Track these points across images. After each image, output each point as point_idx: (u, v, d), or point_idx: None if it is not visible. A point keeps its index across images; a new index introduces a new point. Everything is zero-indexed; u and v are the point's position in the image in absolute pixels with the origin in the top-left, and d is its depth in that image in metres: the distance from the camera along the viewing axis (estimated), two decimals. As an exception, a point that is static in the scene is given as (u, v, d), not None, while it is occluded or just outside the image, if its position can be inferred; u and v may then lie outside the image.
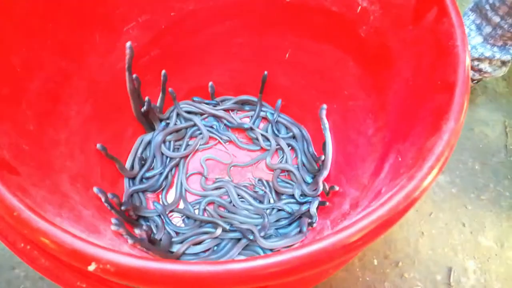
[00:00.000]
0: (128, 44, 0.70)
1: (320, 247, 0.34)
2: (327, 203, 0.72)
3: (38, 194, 0.44)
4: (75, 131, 0.66)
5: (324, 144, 0.77)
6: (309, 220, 0.71)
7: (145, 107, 0.79)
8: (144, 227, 0.64)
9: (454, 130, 0.42)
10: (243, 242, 0.74)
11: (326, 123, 0.76)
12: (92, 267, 0.34)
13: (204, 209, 0.81)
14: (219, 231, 0.74)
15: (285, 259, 0.34)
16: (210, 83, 0.89)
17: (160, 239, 0.72)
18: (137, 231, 0.62)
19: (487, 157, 1.00)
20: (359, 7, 0.64)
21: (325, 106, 0.76)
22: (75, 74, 0.66)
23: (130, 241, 0.58)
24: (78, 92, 0.67)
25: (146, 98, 0.79)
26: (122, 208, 0.68)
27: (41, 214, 0.37)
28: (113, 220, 0.57)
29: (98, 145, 0.70)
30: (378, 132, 0.64)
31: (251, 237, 0.72)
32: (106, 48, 0.70)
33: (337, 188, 0.70)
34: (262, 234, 0.72)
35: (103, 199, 0.64)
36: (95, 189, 0.64)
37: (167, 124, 0.87)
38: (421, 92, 0.54)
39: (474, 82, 1.06)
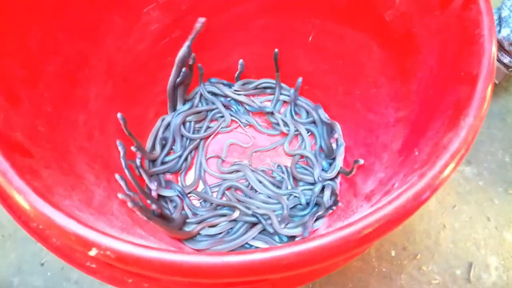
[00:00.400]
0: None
1: (319, 244, 0.33)
2: (338, 204, 0.70)
3: (49, 176, 0.45)
4: (94, 113, 0.66)
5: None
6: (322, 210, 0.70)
7: (181, 76, 0.80)
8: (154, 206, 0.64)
9: (473, 126, 0.40)
10: (259, 227, 0.74)
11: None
12: (93, 253, 0.35)
13: (223, 193, 0.81)
14: (236, 213, 0.74)
15: (283, 255, 0.33)
16: (240, 61, 0.87)
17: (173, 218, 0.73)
18: (153, 206, 0.63)
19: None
20: (385, -10, 0.61)
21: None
22: (94, 56, 0.66)
23: (139, 214, 0.59)
24: (96, 74, 0.67)
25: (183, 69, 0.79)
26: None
27: (47, 197, 0.37)
28: (119, 195, 0.58)
29: (119, 115, 0.71)
30: (398, 123, 0.62)
31: (269, 222, 0.72)
32: (125, 30, 0.70)
33: (361, 161, 0.69)
34: (282, 226, 0.71)
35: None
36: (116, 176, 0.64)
37: (191, 105, 0.87)
38: (444, 82, 0.51)
39: (510, 70, 1.00)
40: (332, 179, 0.77)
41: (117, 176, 0.65)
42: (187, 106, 0.86)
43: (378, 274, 0.83)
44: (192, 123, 0.87)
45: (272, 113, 0.87)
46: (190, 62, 0.79)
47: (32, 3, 0.52)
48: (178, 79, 0.81)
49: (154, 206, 0.63)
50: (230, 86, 0.90)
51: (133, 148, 0.73)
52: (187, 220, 0.75)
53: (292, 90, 0.87)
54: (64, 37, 0.59)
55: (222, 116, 0.89)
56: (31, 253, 0.83)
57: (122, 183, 0.65)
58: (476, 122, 0.40)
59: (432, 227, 0.88)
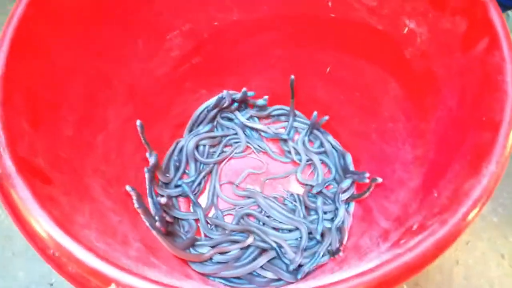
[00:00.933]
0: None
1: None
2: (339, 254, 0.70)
3: (68, 203, 0.45)
4: (112, 135, 0.67)
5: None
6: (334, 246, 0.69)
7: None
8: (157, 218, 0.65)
9: (495, 174, 0.40)
10: (269, 254, 0.73)
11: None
12: (111, 288, 0.35)
13: (239, 220, 0.81)
14: (250, 239, 0.73)
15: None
16: (244, 89, 0.86)
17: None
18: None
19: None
20: (406, 28, 0.62)
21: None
22: (116, 78, 0.67)
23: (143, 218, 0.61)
24: (117, 96, 0.68)
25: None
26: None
27: (67, 226, 0.38)
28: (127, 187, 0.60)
29: (138, 122, 0.71)
30: (416, 160, 0.62)
31: (283, 251, 0.72)
32: (148, 54, 0.71)
33: (380, 180, 0.69)
34: (298, 257, 0.70)
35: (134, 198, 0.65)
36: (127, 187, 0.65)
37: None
38: (464, 125, 0.51)
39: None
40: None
41: (128, 188, 0.64)
42: (207, 128, 0.87)
43: (389, 309, 0.82)
44: (207, 147, 0.87)
45: (285, 141, 0.88)
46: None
47: (62, 25, 0.54)
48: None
49: (158, 223, 0.64)
50: (245, 108, 0.90)
51: (147, 155, 0.73)
52: (199, 243, 0.74)
53: (310, 121, 0.87)
54: (90, 59, 0.60)
55: (236, 142, 0.89)
56: (40, 273, 0.83)
57: (133, 194, 0.64)
58: (498, 170, 0.40)
59: (445, 263, 0.86)
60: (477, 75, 0.50)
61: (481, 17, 0.50)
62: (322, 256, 0.69)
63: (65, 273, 0.48)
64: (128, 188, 0.64)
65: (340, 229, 0.74)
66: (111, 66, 0.66)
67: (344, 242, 0.72)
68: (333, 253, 0.68)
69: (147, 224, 0.64)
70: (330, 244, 0.70)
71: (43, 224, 0.37)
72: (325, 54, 0.77)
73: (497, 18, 0.48)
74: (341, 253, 0.67)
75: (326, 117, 0.86)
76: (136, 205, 0.63)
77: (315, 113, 0.86)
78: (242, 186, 0.86)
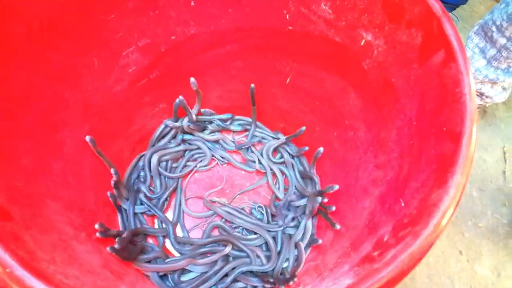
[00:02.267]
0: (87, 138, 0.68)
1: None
2: (320, 241, 0.71)
3: (30, 238, 0.43)
4: (69, 159, 0.64)
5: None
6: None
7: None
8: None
9: (460, 184, 0.42)
10: (244, 261, 0.73)
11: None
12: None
13: (209, 234, 0.80)
14: (228, 249, 0.73)
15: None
16: (180, 97, 0.83)
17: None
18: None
19: (485, 184, 1.00)
20: (363, 40, 0.64)
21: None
22: (71, 99, 0.64)
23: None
24: (73, 117, 0.66)
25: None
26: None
27: (32, 265, 0.35)
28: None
29: (87, 137, 0.68)
30: (379, 169, 0.63)
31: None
32: (104, 72, 0.69)
33: (336, 187, 0.70)
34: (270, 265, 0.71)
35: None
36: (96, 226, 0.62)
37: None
38: (425, 135, 0.53)
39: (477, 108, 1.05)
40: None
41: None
42: (171, 144, 0.86)
43: (358, 313, 0.83)
44: (169, 162, 0.85)
45: (247, 149, 0.88)
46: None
47: (15, 51, 0.51)
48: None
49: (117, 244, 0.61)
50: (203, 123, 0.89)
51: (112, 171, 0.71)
52: (169, 259, 0.72)
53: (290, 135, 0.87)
54: (45, 81, 0.57)
55: (200, 155, 0.88)
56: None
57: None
58: (463, 179, 0.42)
59: (407, 263, 0.89)
60: (435, 87, 0.52)
61: (436, 30, 0.52)
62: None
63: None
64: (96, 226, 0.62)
65: (296, 245, 0.75)
66: (66, 86, 0.63)
67: (301, 263, 0.71)
68: (286, 280, 0.66)
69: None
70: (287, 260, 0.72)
71: (8, 266, 0.35)
72: (285, 64, 0.78)
73: (452, 32, 0.50)
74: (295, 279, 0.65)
75: (303, 128, 0.85)
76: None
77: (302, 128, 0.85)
78: (208, 200, 0.85)
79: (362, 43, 0.64)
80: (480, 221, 0.96)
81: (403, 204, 0.50)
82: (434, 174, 0.46)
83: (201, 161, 0.87)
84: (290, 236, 0.77)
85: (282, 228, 0.77)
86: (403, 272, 0.38)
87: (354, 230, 0.61)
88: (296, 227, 0.78)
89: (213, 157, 0.89)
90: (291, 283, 0.63)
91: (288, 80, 0.80)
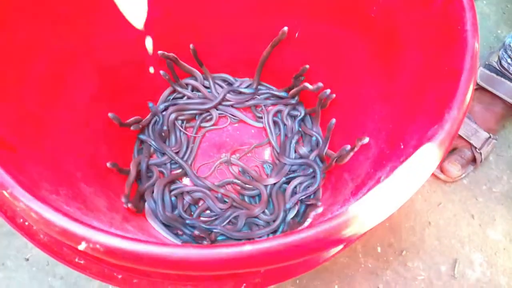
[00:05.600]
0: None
1: (305, 236, 0.34)
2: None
3: (35, 171, 0.45)
4: (82, 110, 0.66)
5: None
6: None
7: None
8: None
9: (457, 119, 0.41)
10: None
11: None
12: (82, 247, 0.34)
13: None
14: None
15: (270, 247, 0.33)
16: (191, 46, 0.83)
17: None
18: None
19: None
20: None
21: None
22: (81, 53, 0.65)
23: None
24: (84, 72, 0.67)
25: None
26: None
27: (34, 191, 0.37)
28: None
29: (110, 115, 0.72)
30: (385, 118, 0.63)
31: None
32: (113, 24, 0.69)
33: (366, 139, 0.67)
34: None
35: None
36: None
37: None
38: (428, 79, 0.52)
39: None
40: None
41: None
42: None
43: (364, 270, 0.84)
44: (184, 122, 0.87)
45: (255, 107, 0.89)
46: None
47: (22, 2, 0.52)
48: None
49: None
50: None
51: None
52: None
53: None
54: (52, 32, 0.58)
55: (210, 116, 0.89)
56: (15, 248, 0.82)
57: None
58: (460, 115, 0.41)
59: (417, 224, 0.89)
60: (439, 28, 0.51)
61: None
62: None
63: (37, 242, 0.48)
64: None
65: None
66: (75, 41, 0.64)
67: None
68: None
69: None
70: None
71: (9, 188, 0.36)
72: (292, 20, 0.77)
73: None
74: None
75: (307, 66, 0.82)
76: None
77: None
78: (218, 157, 0.86)
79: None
80: (495, 186, 0.94)
81: (402, 147, 0.49)
82: (432, 113, 0.45)
83: (207, 119, 0.88)
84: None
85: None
86: (394, 204, 0.38)
87: (357, 179, 0.61)
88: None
89: (225, 114, 0.89)
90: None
91: (297, 34, 0.79)
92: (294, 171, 0.82)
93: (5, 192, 0.36)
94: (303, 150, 0.82)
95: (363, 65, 0.71)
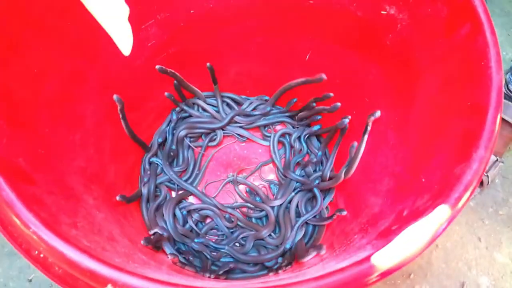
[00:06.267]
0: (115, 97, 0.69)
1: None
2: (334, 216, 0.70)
3: (53, 203, 0.43)
4: (90, 131, 0.65)
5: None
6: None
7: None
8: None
9: (484, 158, 0.41)
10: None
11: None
12: (107, 288, 0.34)
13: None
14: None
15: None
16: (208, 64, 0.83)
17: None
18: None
19: (509, 171, 0.98)
20: (385, 12, 0.62)
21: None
22: (90, 72, 0.65)
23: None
24: (93, 90, 0.66)
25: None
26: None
27: (55, 228, 0.36)
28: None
29: (115, 96, 0.70)
30: (399, 146, 0.62)
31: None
32: (123, 46, 0.69)
33: (344, 212, 0.68)
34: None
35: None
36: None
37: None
38: (448, 110, 0.51)
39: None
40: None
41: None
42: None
43: (372, 294, 0.83)
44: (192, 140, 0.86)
45: (264, 127, 0.88)
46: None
47: (34, 23, 0.51)
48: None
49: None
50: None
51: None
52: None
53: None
54: (64, 54, 0.57)
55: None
56: (18, 269, 0.80)
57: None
58: (487, 154, 0.41)
59: (424, 246, 0.88)
60: (460, 60, 0.51)
61: (462, 2, 0.50)
62: None
63: (51, 273, 0.46)
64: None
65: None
66: (85, 60, 0.63)
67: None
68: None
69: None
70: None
71: (32, 226, 0.35)
72: (304, 41, 0.77)
73: (479, 3, 0.48)
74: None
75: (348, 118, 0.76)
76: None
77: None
78: (224, 177, 0.86)
79: (385, 16, 0.62)
80: (501, 208, 0.94)
81: (423, 180, 0.49)
82: (456, 150, 0.45)
83: (213, 140, 0.87)
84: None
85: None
86: (424, 245, 0.37)
87: (372, 207, 0.60)
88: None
89: (233, 134, 0.88)
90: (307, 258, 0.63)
91: (307, 57, 0.79)
92: (296, 189, 0.81)
93: (27, 231, 0.35)
94: (308, 169, 0.82)
95: (375, 88, 0.70)
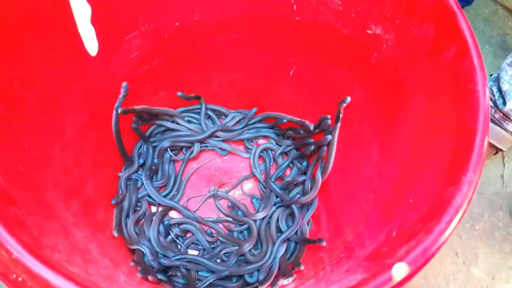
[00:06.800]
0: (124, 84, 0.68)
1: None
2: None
3: (34, 223, 0.41)
4: (70, 144, 0.63)
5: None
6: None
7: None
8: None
9: (473, 181, 0.41)
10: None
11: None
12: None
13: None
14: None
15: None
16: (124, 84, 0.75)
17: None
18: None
19: (484, 187, 1.00)
20: (370, 31, 0.63)
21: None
22: (73, 84, 0.63)
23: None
24: (74, 102, 0.64)
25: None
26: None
27: (37, 252, 0.34)
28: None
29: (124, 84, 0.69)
30: (383, 163, 0.63)
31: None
32: (106, 57, 0.67)
33: (324, 243, 0.64)
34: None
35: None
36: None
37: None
38: (434, 131, 0.52)
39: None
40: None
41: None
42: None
43: (353, 310, 0.83)
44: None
45: (248, 140, 0.88)
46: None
47: (15, 34, 0.49)
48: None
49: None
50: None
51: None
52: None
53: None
54: (46, 65, 0.55)
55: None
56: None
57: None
58: (476, 177, 0.41)
59: (404, 262, 0.89)
60: (446, 83, 0.51)
61: (449, 25, 0.51)
62: None
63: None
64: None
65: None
66: (67, 71, 0.61)
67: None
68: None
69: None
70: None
71: (14, 252, 0.33)
72: (289, 56, 0.77)
73: (466, 27, 0.49)
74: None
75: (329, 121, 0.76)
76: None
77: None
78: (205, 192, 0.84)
79: (371, 35, 0.63)
80: (477, 223, 0.96)
81: (411, 200, 0.49)
82: (445, 171, 0.45)
83: (191, 153, 0.85)
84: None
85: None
86: (416, 268, 0.37)
87: (357, 225, 0.60)
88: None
89: (214, 148, 0.87)
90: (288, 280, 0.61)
91: (291, 72, 0.79)
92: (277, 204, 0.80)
93: (6, 254, 0.33)
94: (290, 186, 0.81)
95: (360, 105, 0.71)
